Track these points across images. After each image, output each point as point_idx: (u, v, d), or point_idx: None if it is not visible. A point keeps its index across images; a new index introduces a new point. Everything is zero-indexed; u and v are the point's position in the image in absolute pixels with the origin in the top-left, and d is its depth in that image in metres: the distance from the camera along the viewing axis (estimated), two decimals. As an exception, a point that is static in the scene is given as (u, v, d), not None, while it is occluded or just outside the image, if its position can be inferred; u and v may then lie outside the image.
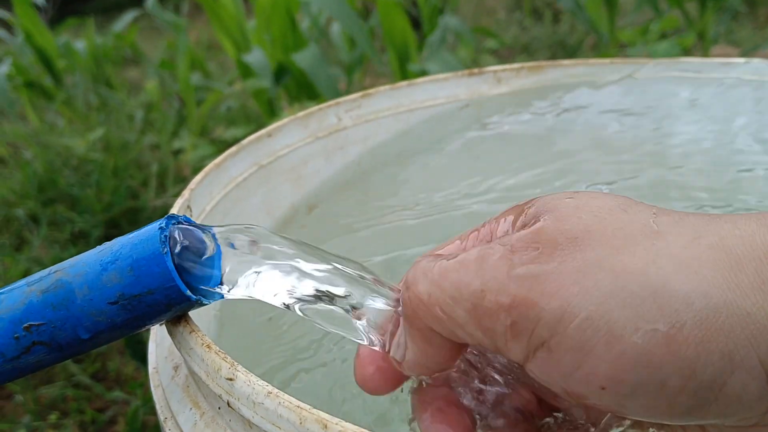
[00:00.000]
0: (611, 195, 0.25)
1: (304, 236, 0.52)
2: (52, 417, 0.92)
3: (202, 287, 0.29)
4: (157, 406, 0.33)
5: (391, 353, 0.28)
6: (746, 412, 0.22)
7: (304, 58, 1.51)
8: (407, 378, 0.29)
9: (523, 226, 0.25)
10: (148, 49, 2.75)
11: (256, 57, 1.58)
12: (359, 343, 0.29)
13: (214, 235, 0.29)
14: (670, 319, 0.21)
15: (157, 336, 0.37)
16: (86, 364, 1.00)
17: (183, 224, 0.29)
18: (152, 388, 0.34)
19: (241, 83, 1.68)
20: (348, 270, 0.29)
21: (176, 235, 0.28)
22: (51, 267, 0.30)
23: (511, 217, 0.27)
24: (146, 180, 1.44)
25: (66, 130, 1.74)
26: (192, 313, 0.31)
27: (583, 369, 0.22)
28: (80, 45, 2.27)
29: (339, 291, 0.28)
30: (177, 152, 1.61)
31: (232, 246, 0.29)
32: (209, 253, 0.30)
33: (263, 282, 0.28)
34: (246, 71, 1.66)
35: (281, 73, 1.57)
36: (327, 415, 0.24)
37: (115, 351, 1.03)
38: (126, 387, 0.95)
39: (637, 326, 0.21)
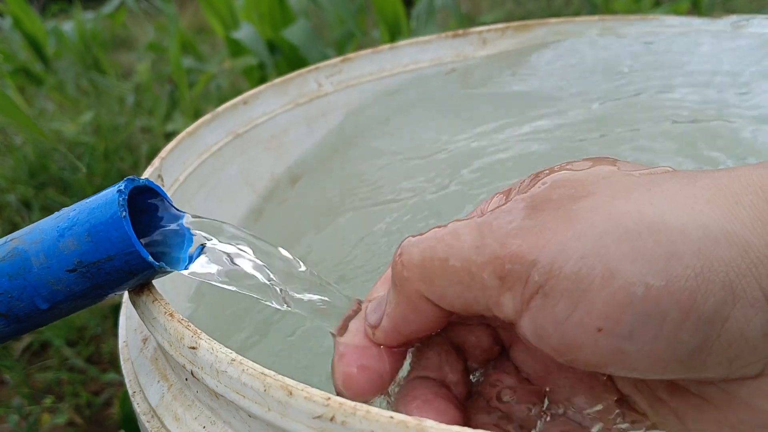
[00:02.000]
0: (613, 160, 0.25)
1: (285, 211, 0.51)
2: (47, 401, 0.91)
3: (165, 253, 0.28)
4: (126, 381, 0.32)
5: (367, 318, 0.27)
6: (751, 355, 0.21)
7: (294, 34, 1.48)
8: (392, 380, 0.28)
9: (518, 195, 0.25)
10: (138, 34, 2.72)
11: (246, 33, 1.55)
12: (337, 340, 0.28)
13: (169, 201, 0.28)
14: (668, 251, 0.20)
15: (127, 309, 0.36)
16: (80, 347, 0.99)
17: (144, 187, 0.28)
18: (122, 363, 0.33)
19: (229, 61, 1.66)
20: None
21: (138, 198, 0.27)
22: (8, 235, 0.29)
23: (502, 195, 0.27)
24: (137, 162, 1.42)
25: (56, 115, 1.72)
26: (169, 291, 0.30)
27: (579, 310, 0.21)
28: (69, 28, 2.24)
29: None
30: (170, 135, 1.59)
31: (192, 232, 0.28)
32: (173, 221, 0.29)
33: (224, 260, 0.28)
34: (235, 49, 1.64)
35: (271, 50, 1.54)
36: (292, 381, 0.23)
37: (109, 333, 1.02)
38: (120, 369, 0.94)
39: (633, 260, 0.20)
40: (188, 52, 2.06)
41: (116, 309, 0.98)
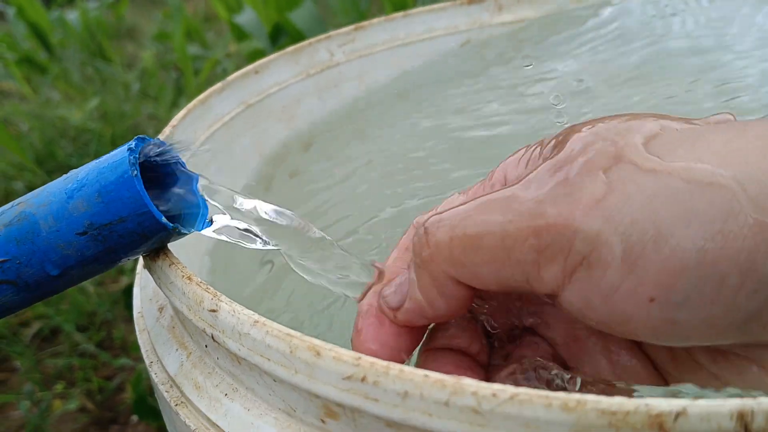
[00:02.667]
0: (650, 114, 0.23)
1: (295, 182, 0.50)
2: (59, 387, 0.90)
3: (179, 215, 0.26)
4: (143, 351, 0.31)
5: (386, 300, 0.26)
6: None
7: (300, 17, 1.46)
8: (410, 355, 0.26)
9: (544, 161, 0.23)
10: (143, 23, 2.70)
11: (248, 17, 1.53)
12: (358, 315, 0.26)
13: (181, 163, 0.27)
14: (724, 209, 0.19)
15: (142, 279, 0.35)
16: (91, 333, 0.98)
17: (157, 145, 0.27)
18: (138, 334, 0.32)
19: (234, 45, 1.64)
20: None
21: (149, 152, 0.26)
22: (15, 200, 0.27)
23: (525, 159, 0.25)
24: (144, 148, 1.41)
25: (62, 104, 1.71)
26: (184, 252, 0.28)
27: (630, 280, 0.20)
28: (73, 16, 2.23)
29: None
30: (176, 121, 1.57)
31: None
32: (186, 184, 0.27)
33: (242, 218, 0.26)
34: (240, 34, 1.62)
35: (277, 33, 1.53)
36: (319, 341, 0.22)
37: (120, 319, 1.01)
38: (132, 354, 0.94)
39: (687, 222, 0.19)
40: (193, 40, 2.04)
41: (127, 292, 0.97)
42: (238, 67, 1.78)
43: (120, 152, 0.26)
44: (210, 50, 1.98)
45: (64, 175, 0.27)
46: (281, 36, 1.55)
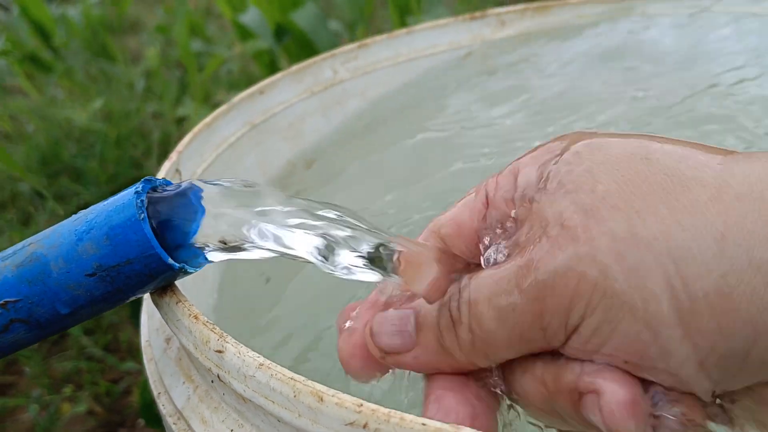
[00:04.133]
0: (632, 138, 0.23)
1: (301, 194, 0.50)
2: (67, 390, 0.91)
3: (186, 253, 0.27)
4: (150, 381, 0.31)
5: (377, 337, 0.25)
6: None
7: (303, 17, 1.46)
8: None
9: (536, 193, 0.24)
10: (146, 17, 2.70)
11: (252, 17, 1.53)
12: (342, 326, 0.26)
13: (197, 196, 0.27)
14: (689, 291, 0.20)
15: (149, 307, 0.35)
16: (98, 336, 0.99)
17: (162, 188, 0.27)
18: (145, 362, 0.33)
19: (239, 45, 1.64)
20: (344, 218, 0.26)
21: (155, 200, 0.26)
22: (26, 240, 0.28)
23: (530, 170, 0.25)
24: (149, 149, 1.42)
25: (66, 103, 1.72)
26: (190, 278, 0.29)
27: (607, 347, 0.21)
28: (75, 13, 2.23)
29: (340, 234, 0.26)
30: (181, 120, 1.58)
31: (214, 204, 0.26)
32: (192, 216, 0.28)
33: (254, 237, 0.26)
34: (244, 33, 1.62)
35: (281, 33, 1.53)
36: (322, 386, 0.22)
37: (126, 322, 1.02)
38: (138, 357, 0.94)
39: (649, 299, 0.20)
40: (196, 35, 2.04)
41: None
42: (243, 68, 1.77)
43: (127, 194, 0.26)
44: (212, 45, 1.98)
45: (74, 216, 0.28)
46: (284, 36, 1.55)
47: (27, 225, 1.26)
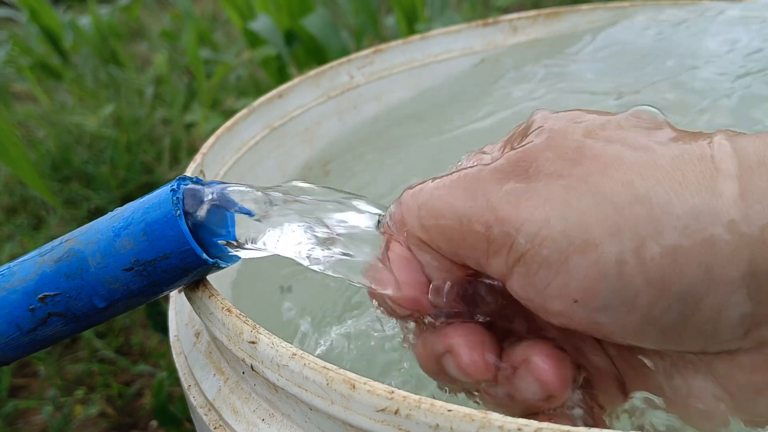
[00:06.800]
0: (606, 112, 0.25)
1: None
2: (79, 392, 0.92)
3: (217, 249, 0.28)
4: (180, 374, 0.32)
5: (385, 290, 0.26)
6: (727, 333, 0.21)
7: (313, 23, 1.48)
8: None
9: (512, 148, 0.24)
10: (153, 24, 2.72)
11: (262, 23, 1.55)
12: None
13: (227, 193, 0.28)
14: (646, 229, 0.20)
15: (177, 303, 0.36)
16: (110, 339, 1.00)
17: (195, 185, 0.28)
18: (174, 356, 0.33)
19: (248, 52, 1.66)
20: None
21: (190, 196, 0.27)
22: (63, 236, 0.29)
23: (500, 144, 0.26)
24: (159, 154, 1.43)
25: (76, 109, 1.74)
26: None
27: (557, 281, 0.21)
28: (85, 21, 2.25)
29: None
30: (189, 126, 1.59)
31: (243, 209, 0.28)
32: (224, 212, 0.29)
33: (280, 237, 0.27)
34: (253, 40, 1.64)
35: (290, 39, 1.54)
36: (354, 374, 0.23)
37: (138, 324, 1.03)
38: (150, 359, 0.96)
39: (611, 236, 0.20)
40: (204, 42, 2.06)
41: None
42: (252, 74, 1.79)
43: (163, 192, 0.27)
44: (220, 53, 2.00)
45: (110, 213, 0.29)
46: (293, 42, 1.56)
47: (38, 229, 1.27)
